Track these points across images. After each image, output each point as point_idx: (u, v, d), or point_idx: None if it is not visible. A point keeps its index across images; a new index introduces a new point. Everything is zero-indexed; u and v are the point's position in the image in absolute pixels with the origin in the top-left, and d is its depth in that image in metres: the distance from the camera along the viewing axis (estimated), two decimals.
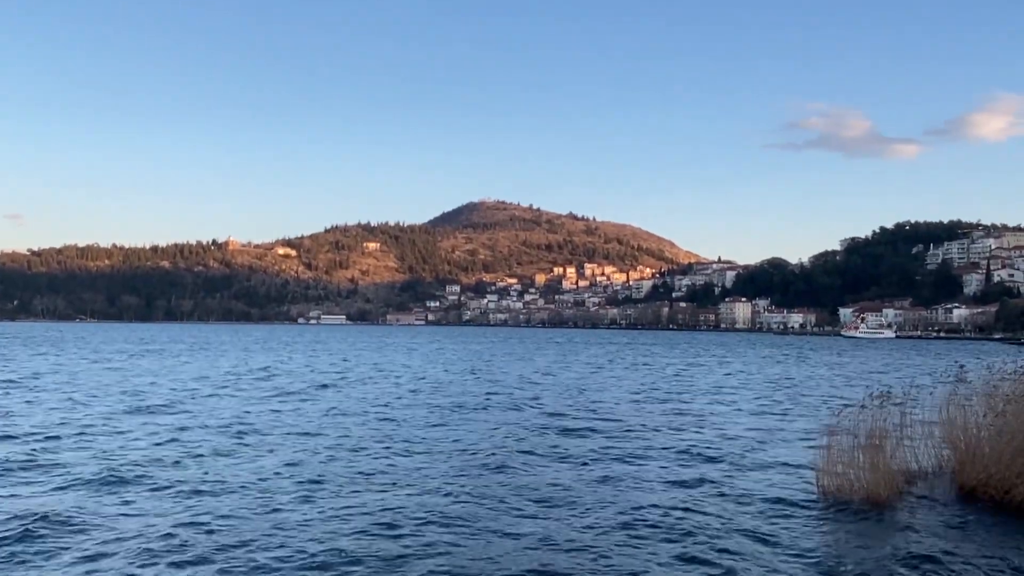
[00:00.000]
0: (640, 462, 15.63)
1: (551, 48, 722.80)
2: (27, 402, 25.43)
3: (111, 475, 13.49)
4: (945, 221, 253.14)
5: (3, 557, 9.17)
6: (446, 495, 12.41)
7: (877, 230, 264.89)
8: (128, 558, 9.10)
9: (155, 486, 12.79)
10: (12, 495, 12.11)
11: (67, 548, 9.48)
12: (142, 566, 8.86)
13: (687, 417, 23.65)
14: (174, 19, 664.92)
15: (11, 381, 33.80)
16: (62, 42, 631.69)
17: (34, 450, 15.99)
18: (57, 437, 17.73)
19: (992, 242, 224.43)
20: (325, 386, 33.95)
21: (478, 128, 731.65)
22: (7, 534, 9.93)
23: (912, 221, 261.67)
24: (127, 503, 11.73)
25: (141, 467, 14.28)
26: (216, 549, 9.44)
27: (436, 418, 22.59)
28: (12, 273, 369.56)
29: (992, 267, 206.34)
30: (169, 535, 9.96)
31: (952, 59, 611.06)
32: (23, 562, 9.03)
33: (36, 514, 10.72)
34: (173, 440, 17.58)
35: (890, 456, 12.16)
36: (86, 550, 9.41)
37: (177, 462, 14.88)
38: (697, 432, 20.16)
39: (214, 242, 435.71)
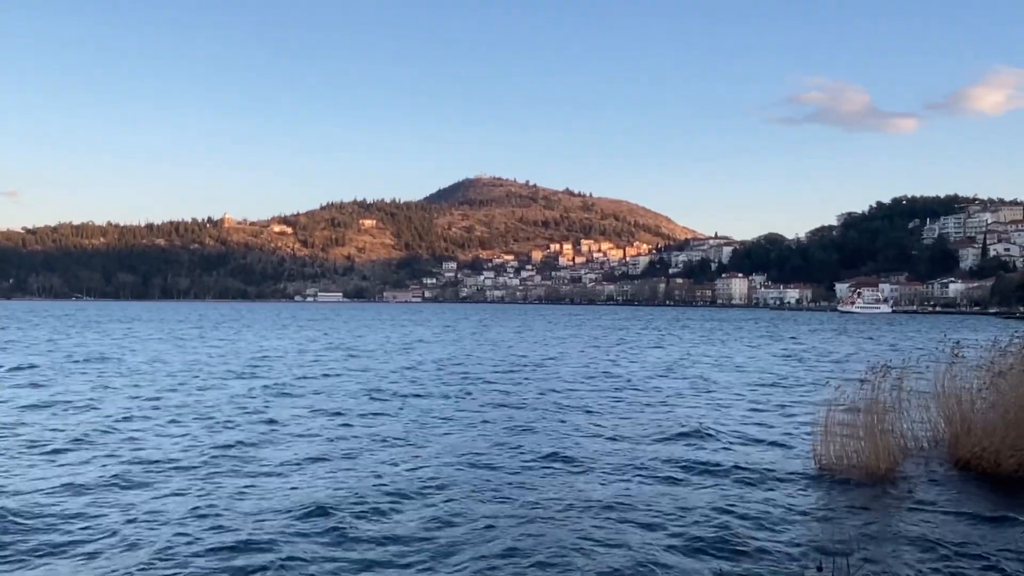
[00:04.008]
0: (631, 434, 15.82)
1: (546, 22, 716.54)
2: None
3: None
4: (942, 195, 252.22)
5: None
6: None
7: (874, 205, 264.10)
8: None
9: None
10: None
11: None
12: None
13: (681, 391, 23.88)
14: None
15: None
16: (57, 19, 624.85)
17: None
18: None
19: (989, 216, 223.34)
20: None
21: (474, 104, 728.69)
22: None
23: (909, 196, 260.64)
24: None
25: None
26: None
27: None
28: (7, 251, 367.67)
29: (988, 241, 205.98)
30: None
31: (951, 33, 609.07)
32: None
33: None
34: None
35: (887, 430, 12.34)
36: None
37: None
38: (693, 407, 20.30)
39: (210, 220, 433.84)
